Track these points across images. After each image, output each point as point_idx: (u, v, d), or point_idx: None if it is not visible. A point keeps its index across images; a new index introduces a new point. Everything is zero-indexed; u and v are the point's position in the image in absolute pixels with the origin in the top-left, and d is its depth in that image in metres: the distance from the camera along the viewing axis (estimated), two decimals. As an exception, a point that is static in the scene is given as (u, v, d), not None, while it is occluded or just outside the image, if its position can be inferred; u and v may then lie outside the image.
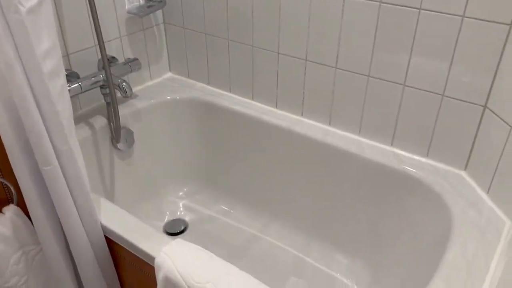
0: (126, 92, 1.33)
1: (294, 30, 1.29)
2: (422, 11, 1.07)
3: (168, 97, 1.55)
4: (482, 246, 0.97)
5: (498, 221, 1.03)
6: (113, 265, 1.11)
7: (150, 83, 1.62)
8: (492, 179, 1.08)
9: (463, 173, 1.18)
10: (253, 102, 1.51)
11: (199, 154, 1.63)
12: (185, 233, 1.53)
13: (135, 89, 1.56)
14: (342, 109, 1.32)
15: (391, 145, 1.28)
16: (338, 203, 1.37)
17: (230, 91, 1.56)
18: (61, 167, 0.94)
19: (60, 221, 1.01)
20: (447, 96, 1.12)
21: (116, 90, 1.34)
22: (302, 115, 1.42)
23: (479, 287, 0.88)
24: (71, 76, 1.33)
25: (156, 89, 1.59)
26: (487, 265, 0.92)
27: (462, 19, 1.02)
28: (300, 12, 1.26)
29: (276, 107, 1.46)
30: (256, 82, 1.47)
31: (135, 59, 1.47)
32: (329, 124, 1.37)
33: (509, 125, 1.00)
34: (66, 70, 1.30)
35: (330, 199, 1.39)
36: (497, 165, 1.05)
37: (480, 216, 1.05)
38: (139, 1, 1.48)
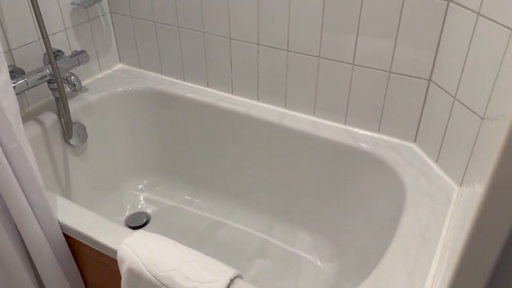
0: (75, 85, 1.29)
1: (244, 14, 1.30)
2: (366, -10, 1.10)
3: (120, 89, 1.52)
4: (434, 212, 1.02)
5: (447, 188, 1.09)
6: (74, 262, 1.09)
7: (100, 75, 1.58)
8: (440, 149, 1.13)
9: (413, 145, 1.23)
10: (208, 89, 1.50)
11: (157, 146, 1.62)
12: (148, 225, 1.51)
13: (85, 82, 1.52)
14: (296, 91, 1.34)
15: (345, 123, 1.31)
16: (299, 183, 1.40)
17: (184, 79, 1.54)
18: (11, 166, 0.91)
19: (14, 222, 0.97)
20: (394, 73, 1.16)
21: (65, 84, 1.30)
22: (258, 99, 1.43)
23: (433, 250, 0.93)
24: (16, 73, 1.27)
25: (107, 81, 1.55)
26: (439, 230, 0.98)
27: (404, -3, 1.06)
28: (248, -4, 1.26)
29: (232, 93, 1.47)
30: (210, 69, 1.47)
31: (83, 51, 1.42)
32: (285, 106, 1.39)
33: (453, 97, 1.05)
34: (9, 66, 1.26)
35: (291, 180, 1.41)
36: (444, 135, 1.11)
37: (431, 184, 1.10)
38: (83, -9, 1.43)
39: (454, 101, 1.05)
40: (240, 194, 1.53)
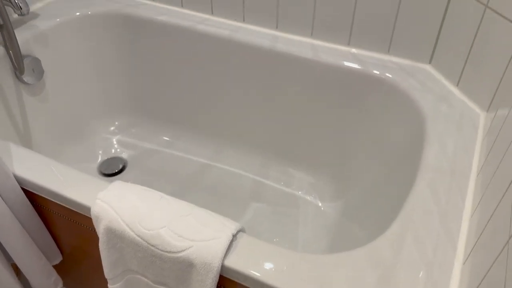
0: (21, 8, 1.06)
1: None
2: None
3: (78, 13, 1.27)
4: (461, 142, 0.89)
5: (472, 114, 0.95)
6: (42, 223, 0.92)
7: (51, -2, 1.32)
8: (463, 69, 0.98)
9: (428, 67, 1.07)
10: (183, 11, 1.27)
11: (127, 80, 1.40)
12: (125, 172, 1.34)
13: (34, 7, 1.26)
14: (290, 9, 1.14)
15: (348, 44, 1.13)
16: (295, 116, 1.24)
17: None
18: None
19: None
20: (410, -22, 0.97)
21: (8, 8, 1.05)
22: (244, 20, 1.22)
23: (465, 186, 0.80)
24: None
25: (61, 4, 1.29)
26: (469, 162, 0.84)
27: None
28: None
29: (212, 14, 1.25)
30: (184, -14, 1.23)
31: (26, -34, 1.15)
32: (276, 28, 1.19)
33: (484, 4, 0.88)
34: None
35: (286, 113, 1.25)
36: (469, 52, 0.95)
37: (453, 110, 0.96)
38: None
39: (485, 9, 0.88)
40: (228, 132, 1.36)
